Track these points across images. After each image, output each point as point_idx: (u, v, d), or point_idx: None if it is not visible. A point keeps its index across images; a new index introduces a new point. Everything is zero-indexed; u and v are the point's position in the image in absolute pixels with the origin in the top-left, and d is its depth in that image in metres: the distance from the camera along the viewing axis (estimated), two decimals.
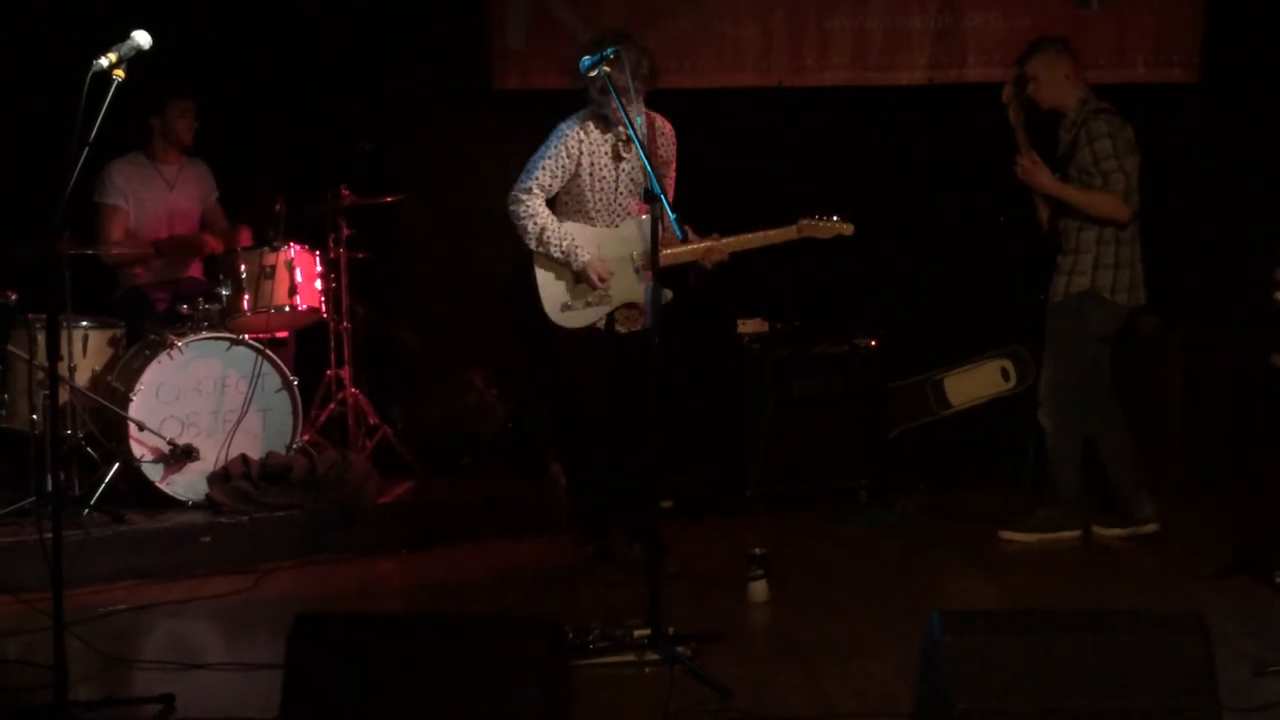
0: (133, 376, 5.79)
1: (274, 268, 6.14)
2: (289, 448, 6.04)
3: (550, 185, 5.21)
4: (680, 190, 5.35)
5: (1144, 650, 3.21)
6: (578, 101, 5.30)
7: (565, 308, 5.26)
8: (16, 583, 5.01)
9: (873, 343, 6.72)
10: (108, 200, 6.37)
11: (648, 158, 4.52)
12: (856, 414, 6.67)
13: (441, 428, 6.87)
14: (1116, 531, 5.74)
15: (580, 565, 5.37)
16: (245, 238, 6.48)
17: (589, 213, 5.25)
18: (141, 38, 3.90)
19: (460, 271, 7.28)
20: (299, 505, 5.79)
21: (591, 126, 5.22)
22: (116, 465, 5.78)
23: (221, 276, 6.17)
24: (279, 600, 5.09)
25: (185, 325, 6.01)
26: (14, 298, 5.73)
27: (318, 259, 6.38)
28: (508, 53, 7.12)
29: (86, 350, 5.95)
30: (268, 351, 6.01)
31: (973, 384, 6.97)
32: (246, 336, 6.04)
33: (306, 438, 6.24)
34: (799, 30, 7.19)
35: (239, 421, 5.95)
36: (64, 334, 5.69)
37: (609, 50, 4.79)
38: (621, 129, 5.15)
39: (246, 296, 6.12)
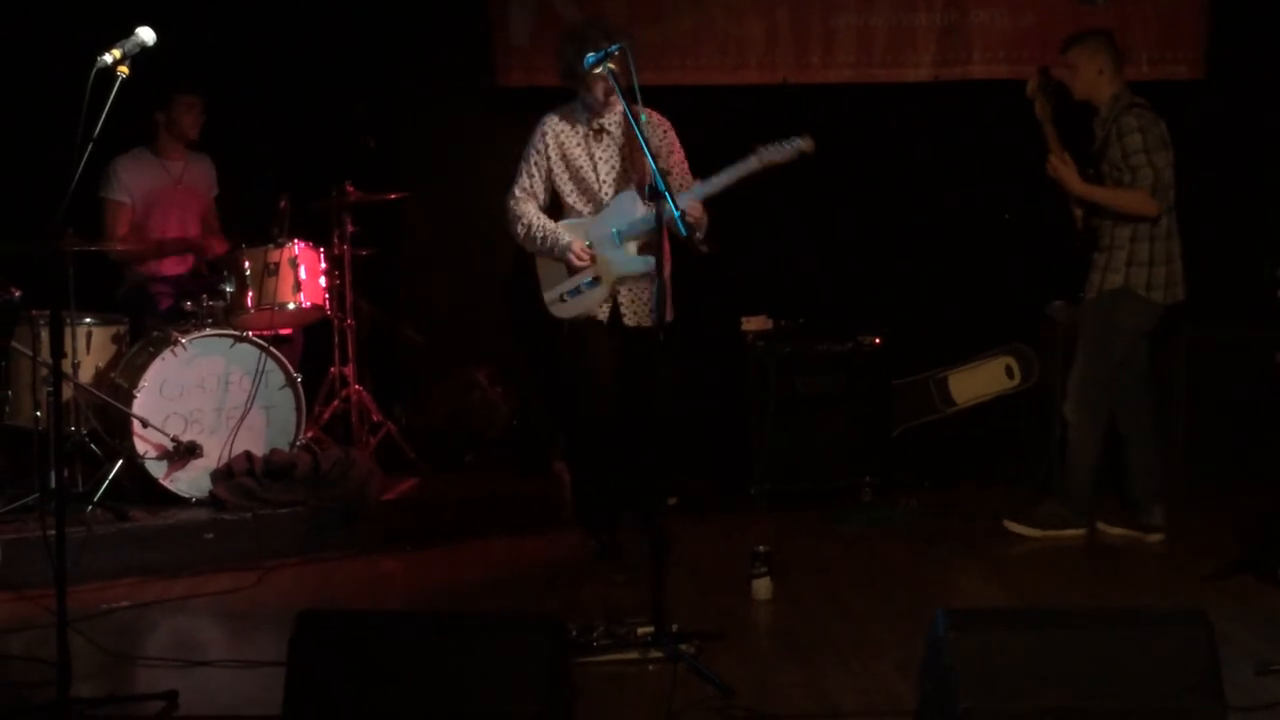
0: (136, 373, 5.79)
1: (278, 264, 6.14)
2: (293, 445, 6.04)
3: (531, 186, 5.31)
4: None
5: (1148, 649, 3.21)
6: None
7: (561, 298, 5.28)
8: (20, 579, 5.02)
9: (877, 340, 6.72)
10: (113, 195, 6.38)
11: (647, 145, 4.54)
12: (860, 412, 6.66)
13: (445, 425, 6.87)
14: (1120, 530, 5.74)
15: (584, 563, 5.37)
16: (219, 246, 6.49)
17: (575, 205, 5.30)
18: (146, 34, 3.90)
19: (464, 268, 7.28)
20: (302, 502, 5.79)
21: (557, 119, 5.30)
22: (120, 462, 5.78)
23: (226, 273, 6.17)
24: (282, 597, 5.09)
25: (189, 322, 6.02)
26: (18, 294, 5.73)
27: (322, 256, 6.38)
28: (512, 50, 7.12)
29: (90, 347, 5.95)
30: (271, 348, 6.01)
31: (977, 382, 6.97)
32: (250, 333, 6.04)
33: (310, 435, 6.24)
34: (804, 27, 7.18)
35: (242, 418, 5.95)
36: (68, 330, 5.68)
37: (613, 47, 4.81)
38: (594, 119, 5.21)
39: (250, 293, 6.12)
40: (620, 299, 5.27)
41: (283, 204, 6.22)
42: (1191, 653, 3.18)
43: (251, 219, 6.52)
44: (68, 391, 5.69)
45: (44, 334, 5.65)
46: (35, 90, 6.27)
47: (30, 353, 5.71)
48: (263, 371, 5.99)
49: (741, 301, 6.81)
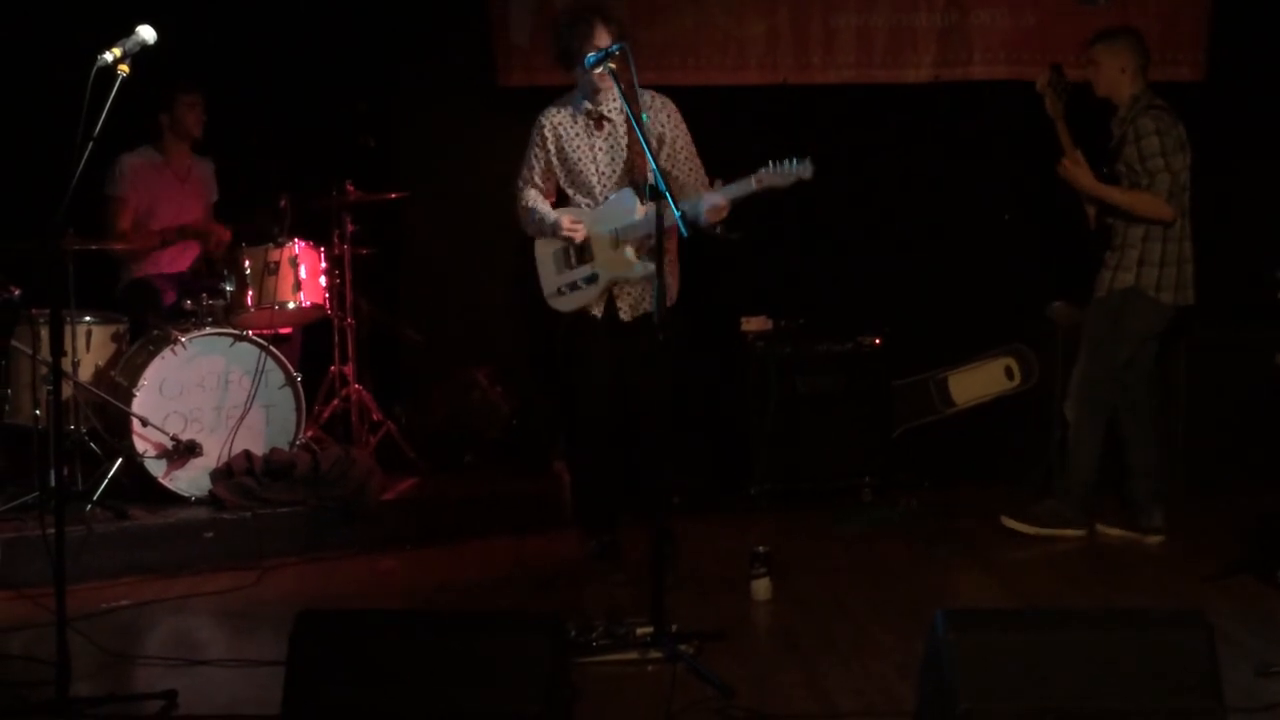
0: (136, 372, 5.79)
1: (278, 264, 6.14)
2: (292, 444, 6.04)
3: (532, 176, 5.33)
4: None
5: (1148, 650, 3.21)
6: None
7: (559, 290, 5.28)
8: (19, 578, 5.01)
9: (877, 341, 6.72)
10: (117, 192, 6.39)
11: (647, 144, 4.54)
12: (860, 412, 6.66)
13: (445, 424, 6.88)
14: (1119, 532, 5.73)
15: (583, 563, 5.36)
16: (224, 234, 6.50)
17: (575, 198, 5.30)
18: (146, 33, 3.90)
19: (464, 268, 7.28)
20: (302, 501, 5.79)
21: (555, 110, 5.30)
22: (119, 461, 5.78)
23: (226, 272, 6.18)
24: (282, 597, 5.08)
25: (189, 321, 6.02)
26: (18, 293, 5.73)
27: (322, 255, 6.39)
28: (512, 49, 7.12)
29: (90, 345, 5.95)
30: (271, 348, 6.01)
31: (977, 382, 6.97)
32: (250, 332, 6.04)
33: (310, 434, 6.24)
34: (804, 28, 7.18)
35: (242, 417, 5.95)
36: (67, 329, 5.68)
37: (614, 47, 4.82)
38: (592, 108, 5.20)
39: (250, 292, 6.12)
40: (617, 297, 5.26)
41: (283, 203, 6.22)
42: (1191, 654, 3.18)
43: (252, 218, 6.53)
44: (67, 390, 5.69)
45: (44, 332, 5.65)
46: (35, 90, 6.27)
47: (30, 351, 5.71)
48: (263, 370, 5.99)
49: (741, 302, 6.81)
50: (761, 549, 4.90)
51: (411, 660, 3.28)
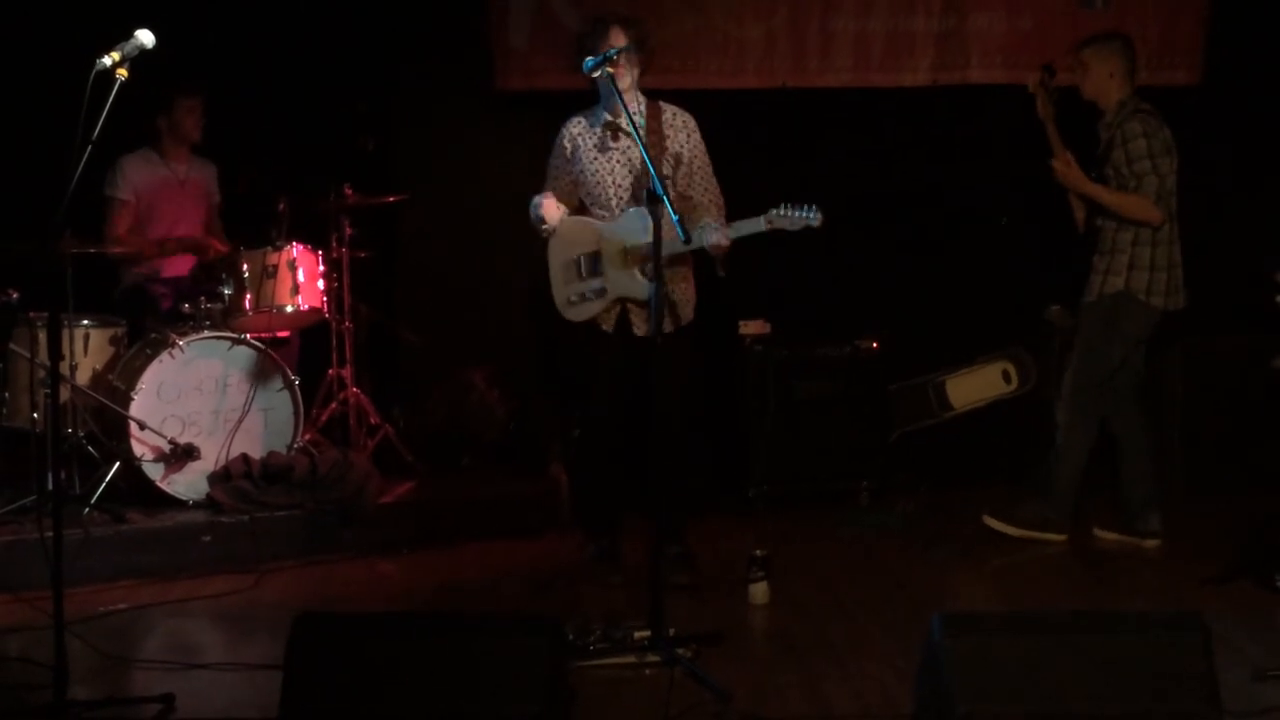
0: (134, 375, 5.79)
1: (276, 267, 6.14)
2: (290, 447, 6.04)
3: (553, 185, 5.28)
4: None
5: (1145, 653, 3.21)
6: (580, 101, 5.31)
7: (569, 302, 5.26)
8: (17, 581, 4.99)
9: (874, 344, 6.72)
10: (117, 194, 6.39)
11: (646, 152, 4.52)
12: (858, 416, 6.66)
13: (443, 427, 6.87)
14: (1115, 536, 5.73)
15: (581, 566, 5.36)
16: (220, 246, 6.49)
17: (590, 207, 5.26)
18: (145, 37, 3.90)
19: (463, 271, 7.28)
20: (300, 505, 5.79)
21: (580, 119, 5.26)
22: (117, 464, 5.77)
23: (224, 276, 6.17)
24: (279, 600, 5.08)
25: (187, 324, 6.02)
26: (15, 296, 5.72)
27: (320, 258, 6.38)
28: (511, 53, 7.12)
29: (88, 349, 5.95)
30: (270, 351, 6.01)
31: (974, 386, 6.98)
32: (248, 336, 6.04)
33: (308, 437, 6.24)
34: (802, 31, 7.19)
35: (240, 421, 5.95)
36: (65, 332, 5.68)
37: (611, 52, 4.81)
38: (610, 119, 5.16)
39: (248, 296, 6.12)
40: (630, 311, 5.19)
41: (281, 206, 6.22)
42: (1188, 658, 3.18)
43: (250, 221, 6.53)
44: (65, 393, 5.69)
45: (42, 336, 5.65)
46: (35, 91, 6.26)
47: (28, 354, 5.70)
48: (260, 374, 5.98)
49: (740, 305, 6.81)
50: (759, 553, 4.91)
51: (409, 663, 3.28)
